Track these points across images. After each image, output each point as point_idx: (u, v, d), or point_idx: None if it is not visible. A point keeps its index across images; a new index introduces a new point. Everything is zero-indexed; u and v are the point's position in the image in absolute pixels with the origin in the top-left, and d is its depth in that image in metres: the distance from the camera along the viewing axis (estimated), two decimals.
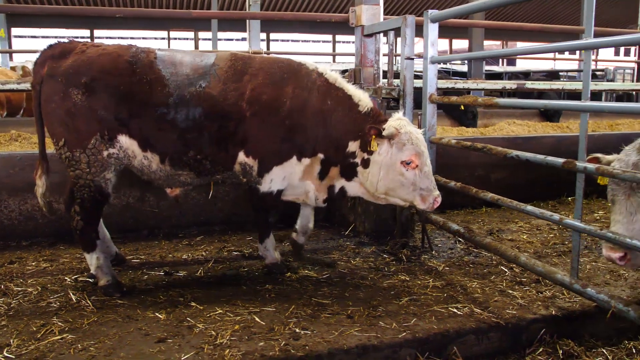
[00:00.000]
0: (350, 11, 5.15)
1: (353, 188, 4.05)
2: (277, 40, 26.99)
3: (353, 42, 5.36)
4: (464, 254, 4.59)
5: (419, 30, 4.33)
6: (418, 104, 4.48)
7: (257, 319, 3.33)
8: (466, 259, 4.44)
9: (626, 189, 2.91)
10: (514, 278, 4.02)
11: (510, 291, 3.78)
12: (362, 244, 4.84)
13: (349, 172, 3.97)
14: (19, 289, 3.80)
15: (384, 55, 5.00)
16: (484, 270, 4.20)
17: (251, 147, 3.83)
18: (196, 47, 15.41)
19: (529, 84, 5.85)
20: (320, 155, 3.94)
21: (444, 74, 16.65)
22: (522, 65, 28.50)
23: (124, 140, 3.77)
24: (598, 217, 5.70)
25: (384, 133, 3.69)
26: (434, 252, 4.58)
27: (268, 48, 25.66)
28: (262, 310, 3.46)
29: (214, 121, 3.77)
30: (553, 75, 17.95)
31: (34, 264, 4.32)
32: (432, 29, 4.19)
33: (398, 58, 4.75)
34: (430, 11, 4.17)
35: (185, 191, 4.47)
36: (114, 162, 3.79)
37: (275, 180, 3.94)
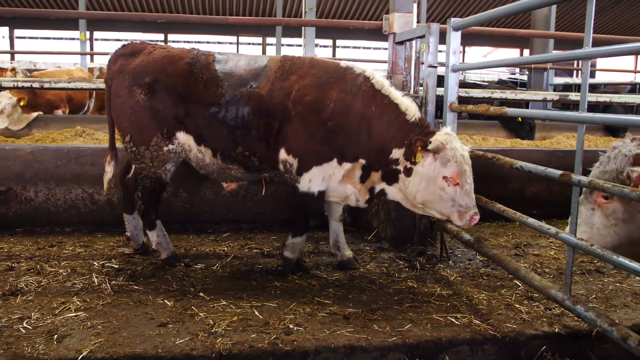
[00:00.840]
0: (383, 19, 5.22)
1: (393, 192, 4.03)
2: (347, 47, 27.29)
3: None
4: (481, 265, 4.52)
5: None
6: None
7: (256, 312, 3.46)
8: (482, 271, 4.37)
9: (586, 195, 3.15)
10: (525, 293, 3.93)
11: (518, 305, 3.70)
12: (381, 250, 4.87)
13: (391, 177, 3.97)
14: (52, 269, 4.15)
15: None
16: (497, 283, 4.12)
17: (292, 145, 3.93)
18: (263, 52, 15.94)
19: (572, 96, 5.65)
20: (362, 161, 3.95)
21: (510, 85, 16.19)
22: (600, 77, 26.95)
23: (181, 136, 4.12)
24: None
25: (429, 147, 3.67)
26: (450, 262, 4.54)
27: (334, 55, 25.88)
28: (264, 305, 3.59)
29: (261, 119, 3.96)
30: (633, 89, 17.02)
31: (70, 248, 4.68)
32: (455, 37, 4.18)
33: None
34: (452, 19, 4.17)
35: (241, 186, 4.71)
36: (173, 156, 4.16)
37: (314, 180, 3.97)
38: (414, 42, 5.05)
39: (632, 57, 30.72)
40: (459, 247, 4.95)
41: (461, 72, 4.53)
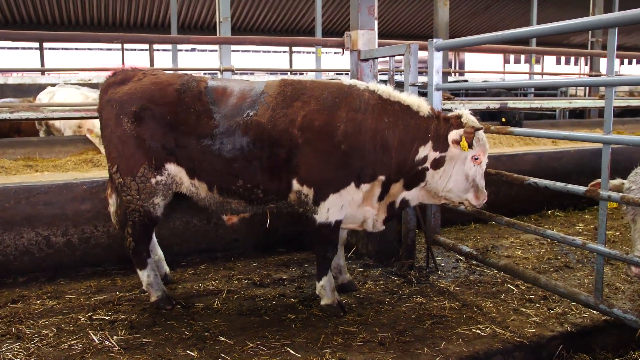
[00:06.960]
0: (345, 35, 5.26)
1: (414, 196, 3.98)
2: (237, 51, 26.78)
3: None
4: (468, 273, 4.75)
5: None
6: None
7: (291, 351, 3.35)
8: (472, 278, 4.59)
9: None
10: (522, 295, 4.20)
11: (523, 309, 3.95)
12: (368, 267, 4.92)
13: (415, 180, 3.89)
14: (33, 331, 3.65)
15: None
16: (493, 289, 4.36)
17: (305, 174, 3.75)
18: (151, 58, 14.79)
19: (511, 103, 6.12)
20: (382, 178, 3.82)
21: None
22: (472, 77, 29.08)
23: (171, 168, 3.88)
24: (580, 230, 6.02)
25: (476, 126, 3.68)
26: (440, 273, 4.72)
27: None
28: (293, 341, 3.48)
29: (264, 149, 3.74)
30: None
31: (38, 302, 4.15)
32: (437, 57, 4.34)
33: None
34: (435, 40, 4.32)
35: (244, 219, 4.34)
36: (162, 188, 3.91)
37: (333, 209, 3.81)
38: (378, 60, 5.16)
39: (501, 59, 33.69)
40: (437, 256, 5.14)
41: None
